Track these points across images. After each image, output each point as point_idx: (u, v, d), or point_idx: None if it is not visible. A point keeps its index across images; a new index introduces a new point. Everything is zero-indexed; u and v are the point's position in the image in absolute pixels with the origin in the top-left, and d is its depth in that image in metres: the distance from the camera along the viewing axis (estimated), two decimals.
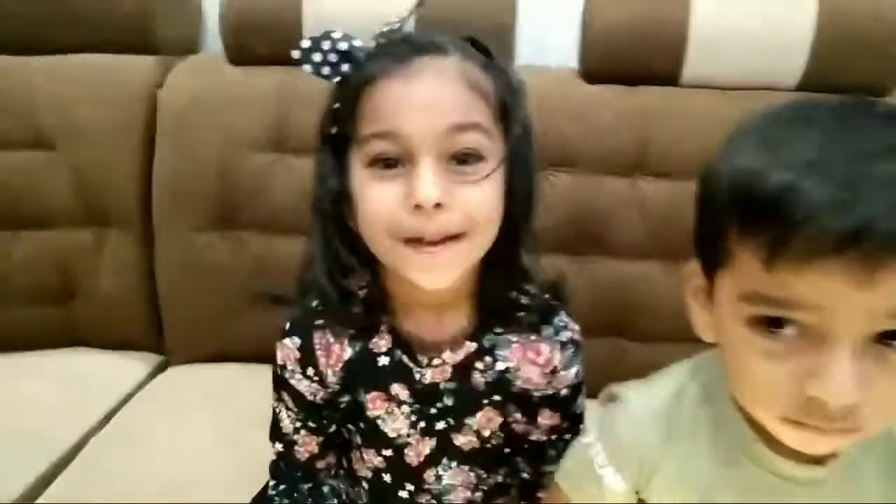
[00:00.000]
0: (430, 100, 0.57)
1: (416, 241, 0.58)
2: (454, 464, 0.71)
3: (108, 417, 1.06)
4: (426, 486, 0.72)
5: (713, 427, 0.55)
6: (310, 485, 0.76)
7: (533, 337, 0.68)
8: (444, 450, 0.70)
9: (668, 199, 1.04)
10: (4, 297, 1.17)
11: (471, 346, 0.67)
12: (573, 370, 0.69)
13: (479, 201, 0.59)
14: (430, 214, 0.57)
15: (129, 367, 1.18)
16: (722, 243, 0.47)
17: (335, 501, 0.76)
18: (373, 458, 0.72)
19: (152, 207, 1.14)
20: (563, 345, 0.68)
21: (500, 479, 0.73)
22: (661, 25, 1.02)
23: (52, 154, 1.14)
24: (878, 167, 0.41)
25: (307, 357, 0.69)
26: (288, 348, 0.70)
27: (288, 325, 0.70)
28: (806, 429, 0.46)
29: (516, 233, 0.64)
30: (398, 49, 0.59)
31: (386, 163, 0.58)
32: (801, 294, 0.42)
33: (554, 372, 0.68)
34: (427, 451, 0.70)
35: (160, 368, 1.20)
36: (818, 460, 0.52)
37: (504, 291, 0.67)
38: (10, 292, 1.17)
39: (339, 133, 0.61)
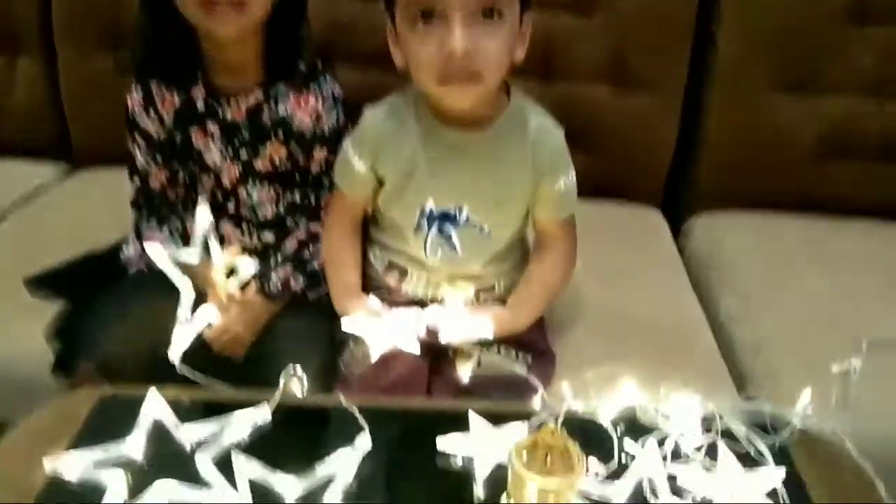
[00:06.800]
0: None
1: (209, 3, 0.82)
2: (257, 182, 0.99)
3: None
4: (242, 201, 1.00)
5: (414, 120, 0.86)
6: (165, 208, 1.03)
7: (304, 91, 0.95)
8: (249, 171, 0.98)
9: None
10: None
11: (259, 94, 0.95)
12: (334, 115, 0.97)
13: None
14: None
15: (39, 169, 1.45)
16: None
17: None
18: (207, 183, 1.00)
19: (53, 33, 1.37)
20: (325, 97, 0.96)
21: (297, 199, 1.01)
22: None
23: None
24: None
25: (148, 102, 0.96)
26: (135, 96, 0.97)
27: (134, 81, 0.97)
28: (452, 84, 0.76)
29: (295, 9, 0.91)
30: None
31: None
32: None
33: (319, 118, 0.96)
34: (236, 174, 0.98)
35: (68, 173, 1.46)
36: (476, 126, 0.84)
37: (284, 55, 0.93)
38: None
39: None
